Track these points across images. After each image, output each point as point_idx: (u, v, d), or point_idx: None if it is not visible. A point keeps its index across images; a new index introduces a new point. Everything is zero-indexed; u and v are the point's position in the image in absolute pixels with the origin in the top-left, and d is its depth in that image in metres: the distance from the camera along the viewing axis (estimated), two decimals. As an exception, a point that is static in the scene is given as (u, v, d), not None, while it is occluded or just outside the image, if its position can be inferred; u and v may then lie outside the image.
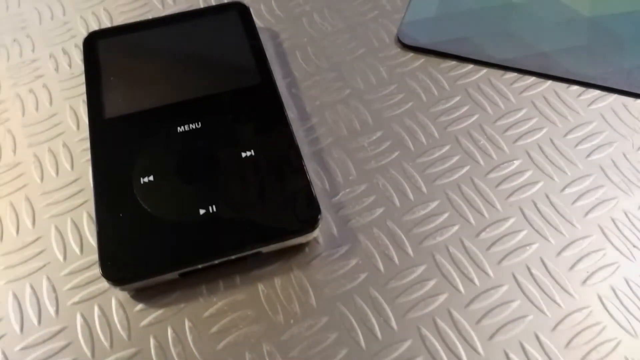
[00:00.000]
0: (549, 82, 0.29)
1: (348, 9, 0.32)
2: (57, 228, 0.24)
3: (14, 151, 0.27)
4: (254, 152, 0.24)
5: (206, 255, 0.22)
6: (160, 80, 0.27)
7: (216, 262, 0.22)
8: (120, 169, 0.24)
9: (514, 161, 0.26)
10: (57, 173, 0.26)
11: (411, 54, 0.30)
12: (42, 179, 0.26)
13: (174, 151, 0.25)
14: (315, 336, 0.22)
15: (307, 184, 0.23)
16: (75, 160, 0.26)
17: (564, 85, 0.28)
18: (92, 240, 0.24)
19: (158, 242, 0.22)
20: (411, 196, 0.25)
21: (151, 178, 0.24)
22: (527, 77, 0.29)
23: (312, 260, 0.23)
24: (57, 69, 0.30)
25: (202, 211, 0.23)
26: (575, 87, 0.28)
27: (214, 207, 0.23)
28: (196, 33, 0.29)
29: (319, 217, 0.22)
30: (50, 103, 0.29)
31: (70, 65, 0.30)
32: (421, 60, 0.30)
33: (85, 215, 0.25)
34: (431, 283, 0.23)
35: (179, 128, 0.25)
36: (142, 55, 0.28)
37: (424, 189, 0.25)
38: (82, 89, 0.29)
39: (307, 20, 0.32)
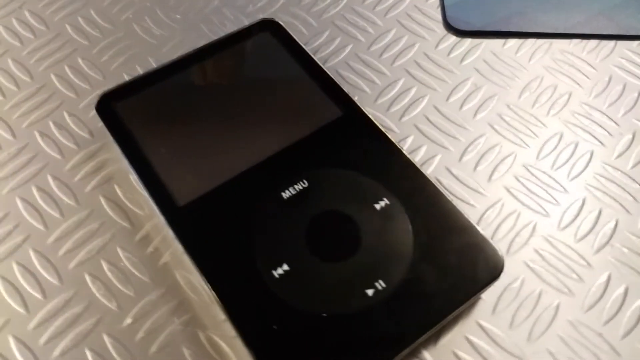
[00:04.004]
0: (613, 42, 0.27)
1: (377, 0, 0.28)
2: (173, 365, 0.19)
3: (60, 279, 0.20)
4: (387, 200, 0.20)
5: (398, 345, 0.18)
6: (225, 139, 0.22)
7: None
8: (239, 267, 0.19)
9: (626, 134, 0.24)
10: (135, 291, 0.20)
11: (469, 40, 0.27)
12: (111, 314, 0.19)
13: (294, 225, 0.20)
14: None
15: (467, 221, 0.20)
16: (149, 267, 0.20)
17: (633, 44, 0.27)
18: (226, 365, 0.19)
19: (333, 345, 0.17)
20: (559, 200, 0.22)
21: (286, 268, 0.19)
22: (593, 41, 0.27)
23: (497, 307, 0.20)
24: (60, 152, 0.23)
25: (369, 292, 0.18)
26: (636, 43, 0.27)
27: (381, 282, 0.18)
28: (236, 68, 0.23)
29: (502, 258, 0.19)
30: (76, 201, 0.22)
31: (77, 144, 0.23)
32: (482, 44, 0.27)
33: (204, 339, 0.19)
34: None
35: (282, 194, 0.20)
36: (188, 111, 0.22)
37: (568, 187, 0.23)
38: (110, 170, 0.22)
39: (340, 23, 0.27)
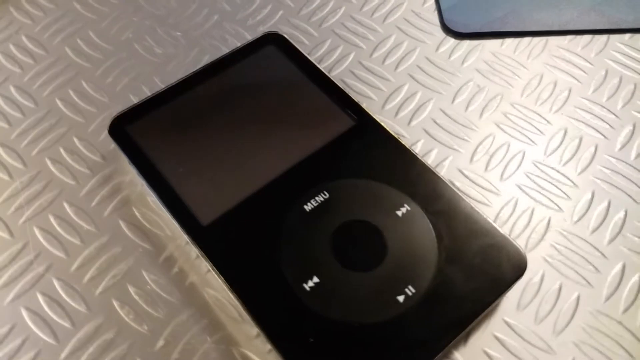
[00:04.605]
0: (606, 37, 0.28)
1: (374, 7, 0.28)
2: (210, 384, 0.19)
3: (88, 307, 0.20)
4: (408, 206, 0.21)
5: (433, 348, 0.18)
6: (242, 155, 0.22)
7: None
8: (269, 282, 0.19)
9: (627, 125, 0.25)
10: (164, 313, 0.20)
11: (467, 42, 0.27)
12: (143, 338, 0.19)
13: (319, 237, 0.20)
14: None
15: (486, 222, 0.20)
16: (176, 288, 0.20)
17: (625, 37, 0.28)
18: (263, 380, 0.19)
19: (369, 354, 0.18)
20: (570, 194, 0.23)
21: (316, 280, 0.19)
22: (586, 36, 0.28)
23: (520, 303, 0.20)
24: (74, 178, 0.23)
25: (400, 298, 0.19)
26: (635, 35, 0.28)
27: (410, 288, 0.19)
28: (246, 83, 0.24)
29: (525, 255, 0.20)
30: (95, 227, 0.21)
31: (90, 168, 0.23)
32: (480, 46, 0.27)
33: (238, 356, 0.19)
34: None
35: (305, 207, 0.20)
36: (202, 129, 0.22)
37: (577, 182, 0.23)
38: (126, 193, 0.22)
39: (340, 32, 0.27)
